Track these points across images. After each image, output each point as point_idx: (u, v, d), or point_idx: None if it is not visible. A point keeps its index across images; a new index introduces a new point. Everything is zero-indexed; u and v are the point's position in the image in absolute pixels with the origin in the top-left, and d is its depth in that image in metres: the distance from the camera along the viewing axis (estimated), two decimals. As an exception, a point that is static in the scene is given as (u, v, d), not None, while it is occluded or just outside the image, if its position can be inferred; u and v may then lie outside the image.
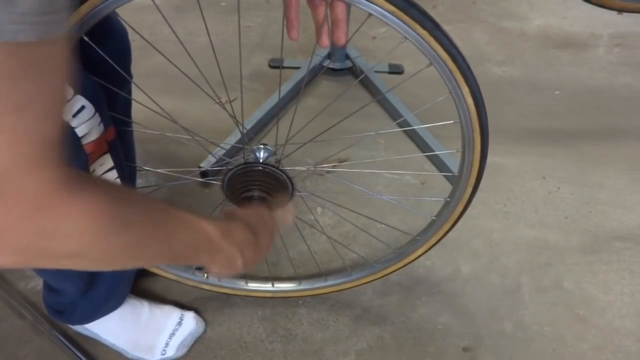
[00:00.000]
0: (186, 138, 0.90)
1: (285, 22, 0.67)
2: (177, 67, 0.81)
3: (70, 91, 0.61)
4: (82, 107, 0.63)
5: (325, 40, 0.67)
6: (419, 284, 1.17)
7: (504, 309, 1.14)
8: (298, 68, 1.64)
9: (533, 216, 1.32)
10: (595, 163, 1.46)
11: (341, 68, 1.67)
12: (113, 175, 0.74)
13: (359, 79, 1.63)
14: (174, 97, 1.45)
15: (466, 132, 0.75)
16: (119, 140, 0.91)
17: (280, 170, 0.80)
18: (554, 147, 1.50)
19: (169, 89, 1.39)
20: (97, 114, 0.66)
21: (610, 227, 1.31)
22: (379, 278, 1.05)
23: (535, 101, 1.66)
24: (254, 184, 0.80)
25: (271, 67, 1.73)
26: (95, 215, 0.42)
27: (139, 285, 1.11)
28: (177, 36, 0.74)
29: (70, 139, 0.64)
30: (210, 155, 1.34)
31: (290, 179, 0.81)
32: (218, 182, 0.83)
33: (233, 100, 1.57)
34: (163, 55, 0.79)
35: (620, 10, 1.54)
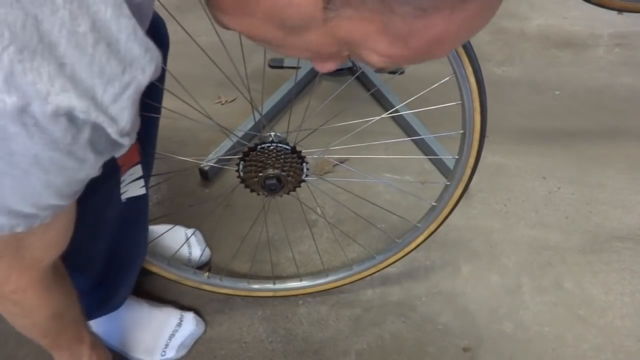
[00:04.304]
0: (210, 125, 0.91)
1: None
2: (215, 64, 0.81)
3: None
4: None
5: None
6: (419, 284, 1.17)
7: (504, 309, 1.14)
8: (298, 68, 1.64)
9: (533, 216, 1.32)
10: (595, 163, 1.46)
11: (341, 68, 1.67)
12: (139, 184, 0.75)
13: (355, 75, 1.63)
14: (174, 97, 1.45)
15: (467, 112, 0.78)
16: (151, 130, 0.91)
17: (295, 149, 0.84)
18: (554, 147, 1.50)
19: (169, 89, 1.39)
20: None
21: (611, 227, 1.31)
22: (381, 270, 1.05)
23: (535, 101, 1.66)
24: (271, 163, 0.84)
25: (271, 67, 1.73)
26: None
27: (139, 285, 1.10)
28: (194, 32, 0.74)
29: None
30: (210, 155, 1.34)
31: (303, 158, 0.85)
32: (233, 167, 0.87)
33: (233, 101, 1.57)
34: (199, 45, 0.79)
35: (620, 10, 1.53)
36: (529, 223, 1.30)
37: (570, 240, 1.27)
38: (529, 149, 1.49)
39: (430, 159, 1.44)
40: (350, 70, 1.69)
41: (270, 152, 0.83)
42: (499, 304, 1.15)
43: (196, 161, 1.07)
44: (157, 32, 0.82)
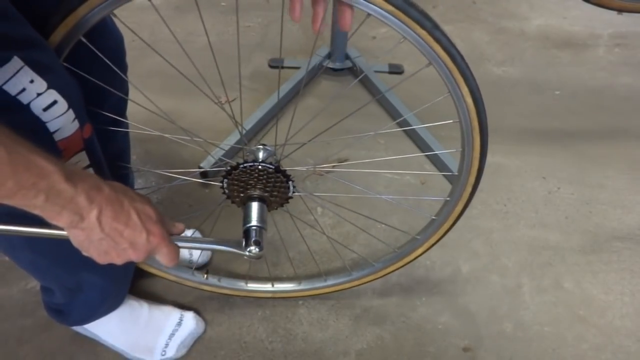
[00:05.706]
0: (184, 139, 0.89)
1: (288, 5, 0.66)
2: (175, 68, 0.81)
3: (43, 84, 0.60)
4: (55, 102, 0.62)
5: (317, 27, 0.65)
6: (419, 284, 1.17)
7: (504, 309, 1.14)
8: (298, 68, 1.64)
9: (533, 216, 1.32)
10: (595, 163, 1.46)
11: (341, 68, 1.67)
12: None
13: (358, 79, 1.63)
14: (175, 96, 1.45)
15: (466, 131, 0.75)
16: (112, 140, 0.90)
17: (279, 169, 0.80)
18: (554, 147, 1.50)
19: (170, 88, 1.39)
20: (70, 110, 0.64)
21: (610, 227, 1.31)
22: (379, 277, 1.05)
23: (535, 101, 1.66)
24: (253, 184, 0.80)
25: (271, 67, 1.73)
26: None
27: (139, 286, 1.11)
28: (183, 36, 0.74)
29: (42, 134, 0.62)
30: (210, 156, 1.34)
31: (288, 177, 0.81)
32: (217, 183, 0.83)
33: (233, 101, 1.57)
34: (161, 56, 0.79)
35: (620, 10, 1.54)
36: (529, 223, 1.30)
37: (570, 240, 1.27)
38: (528, 149, 1.49)
39: (430, 160, 1.44)
40: (351, 71, 1.69)
41: (253, 172, 0.78)
42: (499, 304, 1.15)
43: (181, 177, 1.03)
44: (113, 41, 0.82)
